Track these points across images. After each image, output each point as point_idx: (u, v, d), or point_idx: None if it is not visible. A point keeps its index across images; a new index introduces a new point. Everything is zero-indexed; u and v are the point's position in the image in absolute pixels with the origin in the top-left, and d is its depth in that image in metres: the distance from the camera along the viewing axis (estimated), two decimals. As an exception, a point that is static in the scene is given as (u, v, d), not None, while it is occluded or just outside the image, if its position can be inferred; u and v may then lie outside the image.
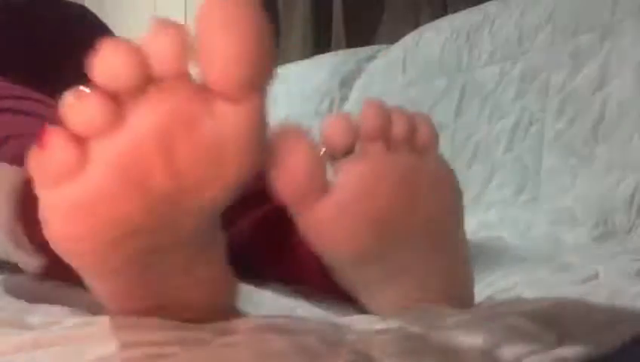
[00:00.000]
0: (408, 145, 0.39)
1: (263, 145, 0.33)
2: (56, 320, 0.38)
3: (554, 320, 0.34)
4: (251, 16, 0.29)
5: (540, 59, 0.99)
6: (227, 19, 0.29)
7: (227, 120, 0.30)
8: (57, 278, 0.46)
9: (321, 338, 0.33)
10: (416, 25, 1.40)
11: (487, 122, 1.05)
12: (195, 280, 0.36)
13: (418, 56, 1.24)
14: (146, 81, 0.29)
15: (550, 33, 0.99)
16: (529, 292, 0.48)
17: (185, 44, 0.29)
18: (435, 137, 0.41)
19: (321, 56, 1.58)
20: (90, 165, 0.30)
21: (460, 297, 0.44)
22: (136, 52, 0.29)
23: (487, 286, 0.51)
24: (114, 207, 0.30)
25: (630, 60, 0.85)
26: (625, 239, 0.72)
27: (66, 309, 0.41)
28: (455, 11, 1.27)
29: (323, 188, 0.36)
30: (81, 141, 0.30)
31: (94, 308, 0.40)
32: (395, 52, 1.32)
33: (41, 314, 0.40)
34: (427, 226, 0.41)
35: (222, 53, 0.29)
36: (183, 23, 0.30)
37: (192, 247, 0.35)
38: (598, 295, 0.45)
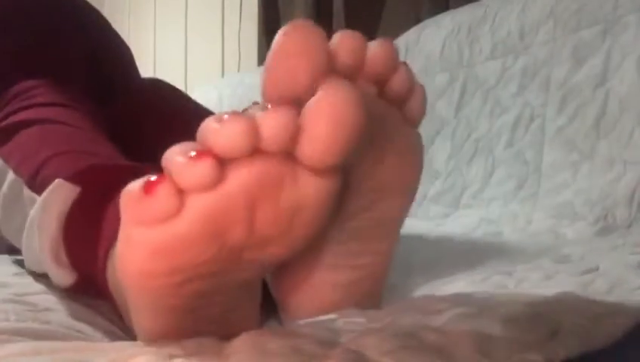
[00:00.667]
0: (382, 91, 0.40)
1: (330, 215, 0.37)
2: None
3: (548, 314, 0.34)
4: (355, 114, 0.33)
5: (542, 55, 0.99)
6: (335, 114, 0.33)
7: (308, 190, 0.34)
8: (83, 294, 0.50)
9: (315, 340, 0.33)
10: (417, 20, 1.40)
11: (488, 117, 1.05)
12: (229, 327, 0.38)
13: (419, 52, 1.24)
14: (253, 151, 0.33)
15: (552, 28, 0.99)
16: (527, 284, 0.48)
17: (294, 127, 0.33)
18: (410, 89, 0.41)
19: (322, 51, 1.58)
20: (183, 214, 0.33)
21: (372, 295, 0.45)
22: (253, 127, 0.32)
23: (484, 280, 0.51)
24: (194, 253, 0.34)
25: (632, 56, 0.85)
26: (625, 233, 0.72)
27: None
28: (456, 6, 1.27)
29: None
30: (182, 192, 0.33)
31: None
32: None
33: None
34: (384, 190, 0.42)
35: (324, 139, 0.33)
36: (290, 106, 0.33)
37: (236, 295, 0.38)
38: (598, 287, 0.45)
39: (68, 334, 0.43)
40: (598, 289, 0.45)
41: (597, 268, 0.50)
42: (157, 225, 0.33)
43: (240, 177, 0.33)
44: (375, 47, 0.40)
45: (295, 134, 0.33)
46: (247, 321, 0.41)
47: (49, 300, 0.49)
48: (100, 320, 0.48)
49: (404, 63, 0.41)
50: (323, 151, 0.33)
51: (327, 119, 0.33)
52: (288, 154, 0.33)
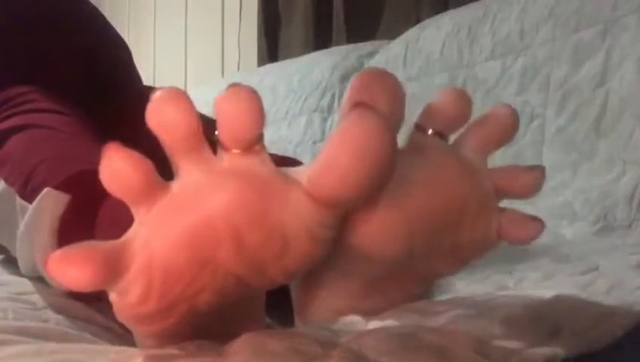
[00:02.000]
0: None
1: (327, 244, 0.33)
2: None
3: (547, 314, 0.34)
4: (379, 150, 0.30)
5: (542, 55, 0.99)
6: (359, 147, 0.30)
7: (297, 209, 0.31)
8: (81, 299, 0.49)
9: (316, 340, 0.33)
10: (417, 20, 1.40)
11: (487, 117, 1.05)
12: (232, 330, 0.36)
13: (419, 52, 1.24)
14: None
15: (551, 28, 0.99)
16: (526, 283, 0.48)
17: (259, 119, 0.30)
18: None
19: (322, 51, 1.58)
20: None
21: None
22: (194, 111, 0.30)
23: (484, 280, 0.51)
24: (185, 281, 0.31)
25: (632, 56, 0.85)
26: (625, 233, 0.72)
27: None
28: (456, 6, 1.27)
29: None
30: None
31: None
32: (395, 47, 1.32)
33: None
34: (457, 248, 0.37)
35: (342, 171, 0.30)
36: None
37: (237, 315, 0.36)
38: (598, 287, 0.45)
39: (66, 332, 0.43)
40: (598, 289, 0.45)
41: (597, 268, 0.50)
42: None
43: (217, 194, 0.30)
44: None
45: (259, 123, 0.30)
46: (251, 325, 0.40)
47: (47, 299, 0.49)
48: (98, 317, 0.48)
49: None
50: (339, 183, 0.30)
51: (350, 151, 0.30)
52: (279, 172, 0.31)
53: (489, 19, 1.11)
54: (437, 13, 1.32)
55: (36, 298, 0.49)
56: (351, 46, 1.52)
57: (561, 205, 0.86)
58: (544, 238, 0.76)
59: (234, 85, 0.30)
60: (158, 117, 0.30)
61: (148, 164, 0.30)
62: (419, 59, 1.23)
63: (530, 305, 0.36)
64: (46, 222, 0.50)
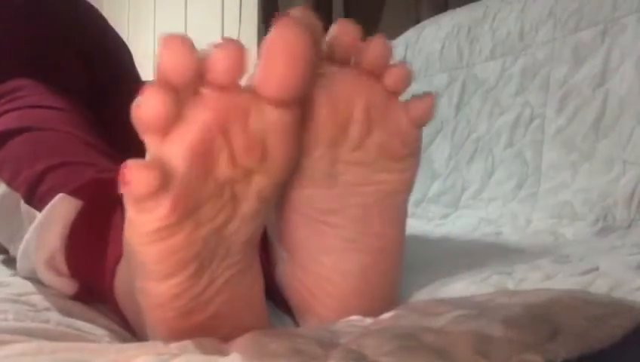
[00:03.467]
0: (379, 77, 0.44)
1: (296, 153, 0.40)
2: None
3: (547, 315, 0.34)
4: (306, 48, 0.37)
5: (541, 55, 0.99)
6: (288, 49, 0.36)
7: (272, 119, 0.38)
8: (82, 299, 0.51)
9: (316, 341, 0.33)
10: (417, 20, 1.40)
11: (487, 118, 1.05)
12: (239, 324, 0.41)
13: (419, 52, 1.24)
14: (200, 81, 0.36)
15: (551, 29, 0.99)
16: (526, 284, 0.48)
17: (242, 61, 0.37)
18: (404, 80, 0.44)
19: (322, 51, 1.58)
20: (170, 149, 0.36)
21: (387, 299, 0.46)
22: (196, 54, 0.36)
23: (484, 280, 0.51)
24: (194, 187, 0.37)
25: (631, 56, 0.85)
26: (625, 234, 0.72)
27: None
28: (456, 6, 1.27)
29: None
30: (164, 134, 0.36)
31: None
32: (395, 47, 1.32)
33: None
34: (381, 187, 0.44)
35: (279, 72, 0.36)
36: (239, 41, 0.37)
37: (239, 260, 0.41)
38: (598, 287, 0.45)
39: (67, 333, 0.43)
40: (598, 289, 0.45)
41: (597, 269, 0.50)
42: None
43: (207, 109, 0.36)
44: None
45: (240, 68, 0.37)
46: (256, 320, 0.42)
47: (48, 299, 0.49)
48: (99, 318, 0.48)
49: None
50: (280, 82, 0.37)
51: (282, 53, 0.36)
52: (250, 90, 0.37)
53: (489, 19, 1.11)
54: (437, 13, 1.32)
55: (37, 299, 0.49)
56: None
57: (560, 205, 0.86)
58: (544, 238, 0.77)
59: (225, 41, 0.37)
60: (165, 60, 0.36)
61: (174, 98, 0.35)
62: (419, 59, 1.23)
63: (530, 305, 0.36)
64: (57, 227, 0.51)
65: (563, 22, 0.97)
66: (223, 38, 0.37)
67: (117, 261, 0.46)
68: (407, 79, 0.44)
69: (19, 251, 0.55)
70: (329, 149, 0.43)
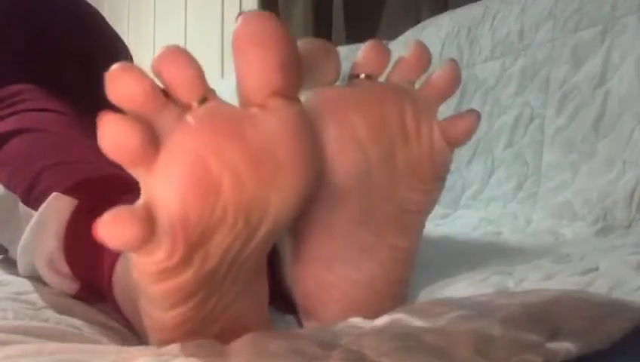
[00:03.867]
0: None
1: (315, 151, 0.36)
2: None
3: (547, 315, 0.34)
4: (280, 31, 0.33)
5: (541, 55, 0.99)
6: (259, 37, 0.32)
7: (267, 126, 0.33)
8: (81, 298, 0.51)
9: (316, 341, 0.33)
10: (417, 20, 1.40)
11: (487, 117, 1.05)
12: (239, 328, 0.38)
13: (419, 52, 1.24)
14: (164, 104, 0.33)
15: (551, 29, 0.99)
16: (527, 284, 0.48)
17: (198, 71, 0.33)
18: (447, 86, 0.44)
19: (322, 51, 1.58)
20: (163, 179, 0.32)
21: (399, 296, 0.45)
22: (145, 77, 0.33)
23: (484, 280, 0.51)
24: (196, 226, 0.33)
25: (631, 56, 0.85)
26: (625, 234, 0.72)
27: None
28: (456, 6, 1.27)
29: None
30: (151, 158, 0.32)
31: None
32: (395, 47, 1.31)
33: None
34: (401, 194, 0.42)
35: (256, 64, 0.32)
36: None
37: (249, 276, 0.38)
38: (598, 287, 0.45)
39: (66, 331, 0.43)
40: (598, 289, 0.45)
41: (597, 268, 0.50)
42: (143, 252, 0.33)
43: (191, 131, 0.32)
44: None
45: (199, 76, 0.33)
46: (260, 325, 0.41)
47: (47, 298, 0.49)
48: (98, 316, 0.48)
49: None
50: (261, 75, 0.33)
51: (254, 43, 0.33)
52: (233, 106, 0.34)
53: (489, 19, 1.11)
54: (437, 13, 1.32)
55: (36, 297, 0.49)
56: (351, 46, 1.52)
57: (560, 205, 0.86)
58: (544, 238, 0.77)
59: (170, 50, 0.33)
60: (115, 93, 0.32)
61: (141, 126, 0.32)
62: (418, 60, 1.23)
63: (530, 305, 0.36)
64: (52, 226, 0.50)
65: (563, 22, 0.97)
66: (166, 48, 0.33)
67: (114, 259, 0.45)
68: (452, 86, 0.43)
69: (17, 251, 0.55)
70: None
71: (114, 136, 0.31)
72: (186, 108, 0.33)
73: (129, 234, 0.31)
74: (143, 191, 0.33)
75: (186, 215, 0.32)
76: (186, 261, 0.33)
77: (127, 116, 0.32)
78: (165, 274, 0.34)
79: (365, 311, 0.42)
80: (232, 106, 0.34)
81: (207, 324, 0.37)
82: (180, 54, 0.33)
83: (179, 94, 0.33)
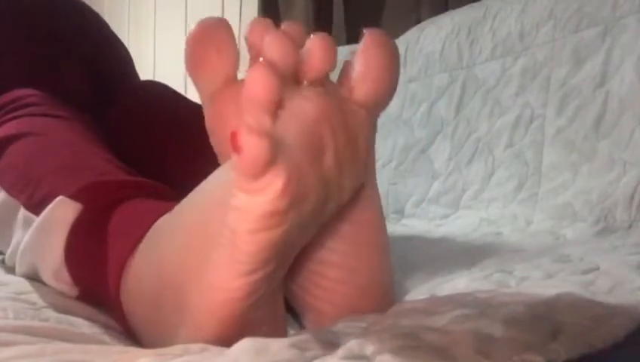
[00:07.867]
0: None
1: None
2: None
3: (548, 314, 0.34)
4: (396, 59, 0.42)
5: (542, 55, 0.99)
6: (384, 59, 0.41)
7: (360, 120, 0.40)
8: (82, 299, 0.51)
9: (316, 341, 0.33)
10: (417, 20, 1.40)
11: (488, 118, 1.05)
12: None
13: (419, 52, 1.24)
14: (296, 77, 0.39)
15: (551, 29, 0.99)
16: (528, 282, 0.48)
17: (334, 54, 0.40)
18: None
19: (322, 51, 1.57)
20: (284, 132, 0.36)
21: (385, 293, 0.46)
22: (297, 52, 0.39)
23: (484, 279, 0.51)
24: (303, 175, 0.36)
25: (632, 56, 0.85)
26: (625, 234, 0.72)
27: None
28: (456, 7, 1.27)
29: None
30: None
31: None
32: (395, 48, 1.31)
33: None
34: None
35: (374, 79, 0.40)
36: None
37: (281, 271, 0.40)
38: (600, 286, 0.45)
39: (66, 331, 0.43)
40: (599, 289, 0.45)
41: (597, 268, 0.50)
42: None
43: (316, 103, 0.38)
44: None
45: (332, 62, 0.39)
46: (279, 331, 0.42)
47: (47, 297, 0.49)
48: (98, 315, 0.48)
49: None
50: (375, 88, 0.40)
51: (377, 64, 0.40)
52: (343, 94, 0.40)
53: (489, 19, 1.11)
54: (437, 13, 1.32)
55: (36, 297, 0.49)
56: (351, 46, 1.52)
57: (561, 206, 0.86)
58: (545, 239, 0.76)
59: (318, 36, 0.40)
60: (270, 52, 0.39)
61: (280, 77, 0.35)
62: (419, 60, 1.23)
63: (531, 304, 0.36)
64: (56, 230, 0.50)
65: (563, 22, 0.97)
66: (314, 33, 0.39)
67: (122, 264, 0.45)
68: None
69: (18, 252, 0.55)
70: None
71: (261, 77, 0.34)
72: (299, 83, 0.39)
73: (263, 146, 0.33)
74: (263, 128, 0.34)
75: (299, 158, 0.36)
76: (286, 212, 0.35)
77: (272, 68, 0.35)
78: (270, 220, 0.35)
79: (359, 301, 0.43)
80: (342, 92, 0.40)
81: (254, 308, 0.38)
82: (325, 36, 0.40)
83: (312, 71, 0.39)
